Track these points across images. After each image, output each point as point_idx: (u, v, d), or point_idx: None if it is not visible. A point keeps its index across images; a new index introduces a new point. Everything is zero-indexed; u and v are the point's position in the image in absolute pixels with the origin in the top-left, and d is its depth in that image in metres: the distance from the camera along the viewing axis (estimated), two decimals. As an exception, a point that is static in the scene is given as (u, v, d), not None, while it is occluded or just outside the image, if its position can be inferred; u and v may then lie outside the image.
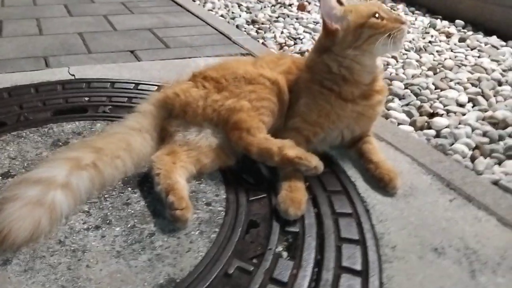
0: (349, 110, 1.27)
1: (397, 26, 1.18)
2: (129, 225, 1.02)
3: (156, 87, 1.71)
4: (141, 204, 1.09)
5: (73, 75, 1.82)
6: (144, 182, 1.16)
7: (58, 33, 2.47)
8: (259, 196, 1.14)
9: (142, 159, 1.20)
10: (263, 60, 1.42)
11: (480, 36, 2.97)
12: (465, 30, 3.11)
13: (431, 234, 1.07)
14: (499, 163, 1.54)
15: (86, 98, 1.60)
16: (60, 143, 1.32)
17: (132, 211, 1.06)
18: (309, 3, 3.79)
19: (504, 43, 2.86)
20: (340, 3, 1.24)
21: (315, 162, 1.14)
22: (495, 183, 1.41)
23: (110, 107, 1.55)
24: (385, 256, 1.00)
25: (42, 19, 2.73)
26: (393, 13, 1.20)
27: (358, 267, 0.96)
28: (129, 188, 1.14)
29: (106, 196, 1.11)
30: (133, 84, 1.75)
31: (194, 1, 3.64)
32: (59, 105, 1.54)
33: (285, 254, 0.99)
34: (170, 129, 1.23)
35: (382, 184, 1.21)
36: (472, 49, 2.70)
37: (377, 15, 1.19)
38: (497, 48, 2.74)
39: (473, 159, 1.53)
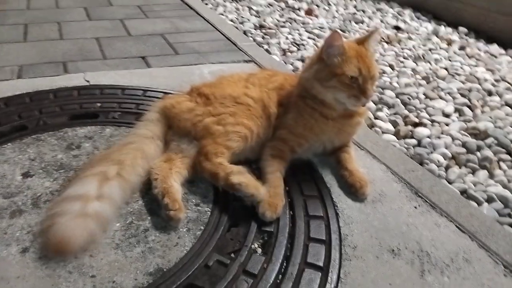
0: (331, 126, 1.42)
1: (357, 96, 1.31)
2: (127, 222, 1.19)
3: (161, 94, 1.88)
4: (139, 203, 1.26)
5: (88, 81, 2.01)
6: (143, 184, 1.32)
7: (77, 37, 2.66)
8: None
9: None
10: (255, 77, 1.57)
11: (481, 44, 3.05)
12: (467, 38, 3.19)
13: (390, 237, 1.22)
14: (473, 172, 1.66)
15: (99, 104, 1.79)
16: (74, 147, 1.50)
17: (131, 209, 1.24)
18: (318, 7, 3.90)
19: (503, 52, 2.93)
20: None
21: (252, 191, 1.23)
22: (464, 191, 1.54)
23: (119, 113, 1.73)
24: (346, 255, 1.15)
25: (63, 23, 2.93)
26: (370, 79, 1.32)
27: (320, 263, 1.11)
28: (130, 189, 1.32)
29: (110, 195, 1.28)
30: (141, 91, 1.93)
31: (207, 4, 3.80)
32: (74, 111, 1.73)
33: (259, 250, 1.15)
34: (166, 138, 1.40)
35: (353, 190, 1.36)
36: (470, 58, 2.79)
37: (355, 76, 1.29)
38: (496, 57, 2.82)
39: (447, 168, 1.65)
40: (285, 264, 1.11)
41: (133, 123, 1.52)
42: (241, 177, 1.26)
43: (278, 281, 1.06)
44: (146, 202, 1.27)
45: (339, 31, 1.29)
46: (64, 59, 2.30)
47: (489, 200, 1.51)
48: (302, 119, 1.42)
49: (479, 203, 1.48)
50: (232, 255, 1.12)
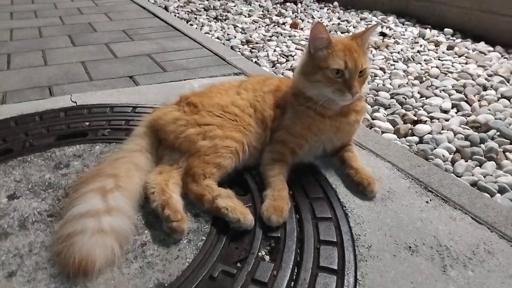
0: (328, 125, 1.36)
1: (342, 91, 1.25)
2: (123, 237, 1.11)
3: (152, 109, 1.81)
4: (134, 217, 1.18)
5: (75, 102, 1.94)
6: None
7: (62, 63, 2.61)
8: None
9: None
10: (248, 82, 1.52)
11: (468, 43, 3.05)
12: (454, 38, 3.20)
13: (405, 234, 1.14)
14: (480, 165, 1.60)
15: (87, 123, 1.71)
16: (62, 166, 1.42)
17: (126, 224, 1.15)
18: (302, 21, 3.92)
19: (491, 49, 2.93)
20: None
21: (239, 216, 1.13)
22: (474, 184, 1.47)
23: (109, 130, 1.66)
24: (361, 255, 1.07)
25: (47, 50, 2.88)
26: (359, 75, 1.26)
27: (334, 266, 1.03)
28: (124, 204, 1.23)
29: (103, 212, 1.20)
30: (131, 108, 1.86)
31: (192, 25, 3.80)
32: (62, 131, 1.65)
33: (267, 257, 1.07)
34: (159, 153, 1.33)
35: (361, 188, 1.29)
36: (459, 56, 2.78)
37: (340, 71, 1.24)
38: (485, 54, 2.82)
39: (453, 162, 1.59)
40: (296, 270, 1.03)
41: (124, 139, 1.45)
42: (228, 201, 1.17)
43: (290, 288, 0.98)
44: (141, 216, 1.18)
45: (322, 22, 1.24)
46: (49, 83, 2.24)
47: (501, 190, 1.44)
48: (299, 118, 1.36)
49: (492, 194, 1.42)
50: (239, 264, 1.04)
